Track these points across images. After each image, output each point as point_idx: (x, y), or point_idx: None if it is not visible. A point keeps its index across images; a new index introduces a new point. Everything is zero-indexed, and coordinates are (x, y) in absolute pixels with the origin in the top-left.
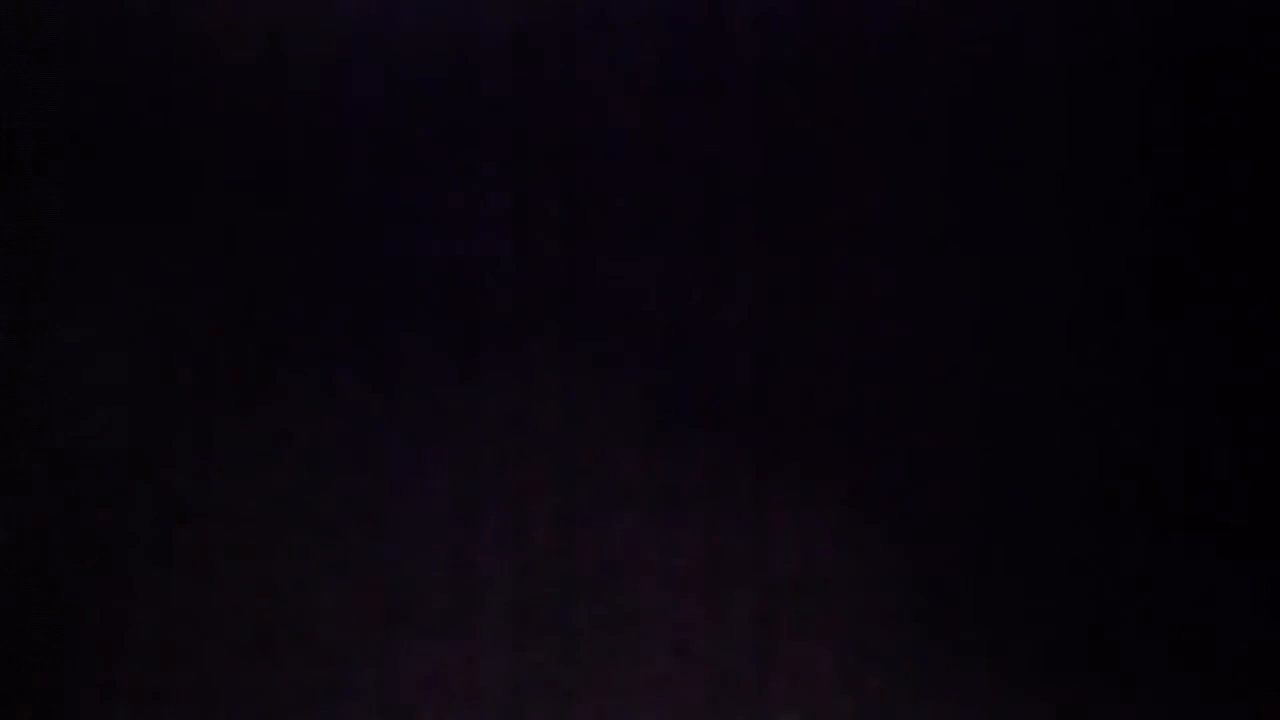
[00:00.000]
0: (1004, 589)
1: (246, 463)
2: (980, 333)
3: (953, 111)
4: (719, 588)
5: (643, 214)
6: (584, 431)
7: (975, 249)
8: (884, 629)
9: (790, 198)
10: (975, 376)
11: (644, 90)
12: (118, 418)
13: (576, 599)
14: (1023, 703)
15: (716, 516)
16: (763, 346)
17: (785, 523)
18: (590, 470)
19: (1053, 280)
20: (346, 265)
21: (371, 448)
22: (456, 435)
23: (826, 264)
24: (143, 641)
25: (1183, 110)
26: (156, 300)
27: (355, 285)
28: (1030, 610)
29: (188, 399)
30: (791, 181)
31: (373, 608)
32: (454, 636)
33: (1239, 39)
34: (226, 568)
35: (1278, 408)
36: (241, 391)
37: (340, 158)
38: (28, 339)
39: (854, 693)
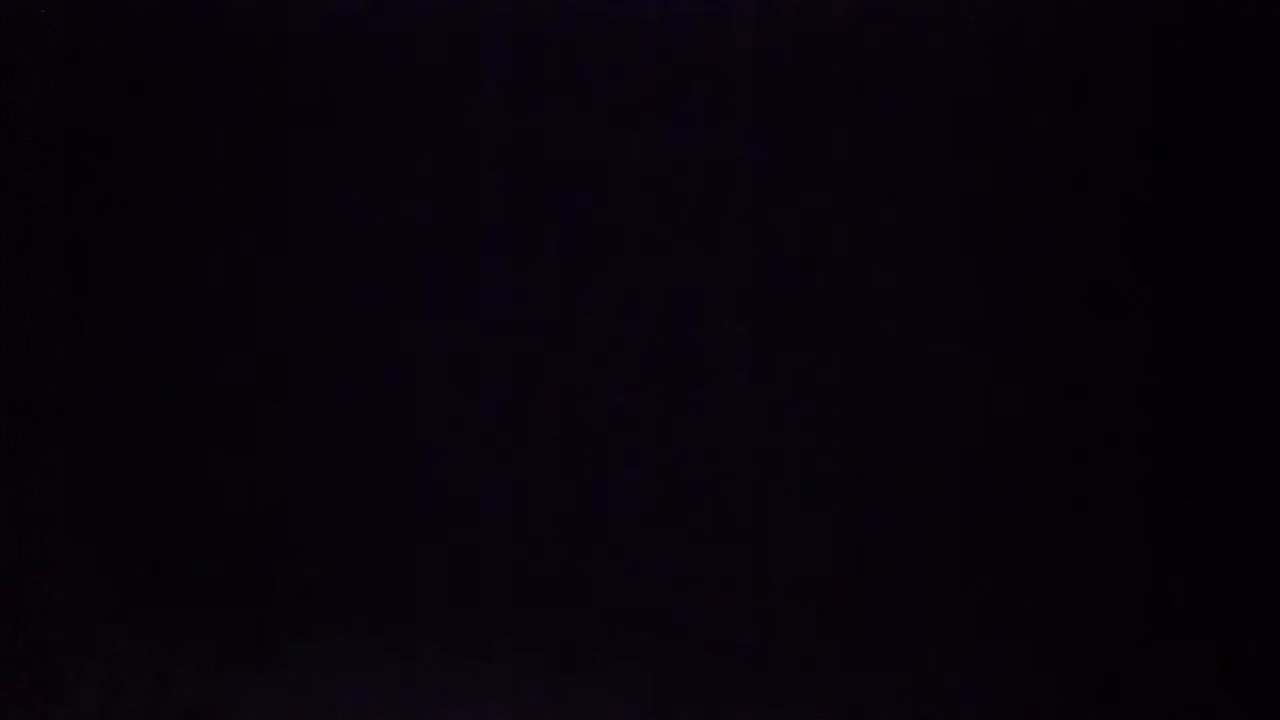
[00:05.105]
0: (1004, 589)
1: (246, 461)
2: (980, 333)
3: (953, 111)
4: (719, 587)
5: (643, 214)
6: (584, 431)
7: (975, 249)
8: (886, 630)
9: (790, 197)
10: (975, 376)
11: (644, 90)
12: (118, 416)
13: (577, 598)
14: (1023, 703)
15: (716, 515)
16: (762, 347)
17: (785, 522)
18: (591, 470)
19: (1053, 280)
20: (347, 264)
21: (370, 447)
22: (456, 435)
23: (826, 264)
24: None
25: (1183, 110)
26: (155, 298)
27: (356, 284)
28: (1030, 610)
29: (188, 396)
30: (791, 181)
31: (371, 608)
32: (454, 636)
33: (1239, 39)
34: (226, 567)
35: (1278, 408)
36: (242, 389)
37: (339, 158)
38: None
39: (855, 692)
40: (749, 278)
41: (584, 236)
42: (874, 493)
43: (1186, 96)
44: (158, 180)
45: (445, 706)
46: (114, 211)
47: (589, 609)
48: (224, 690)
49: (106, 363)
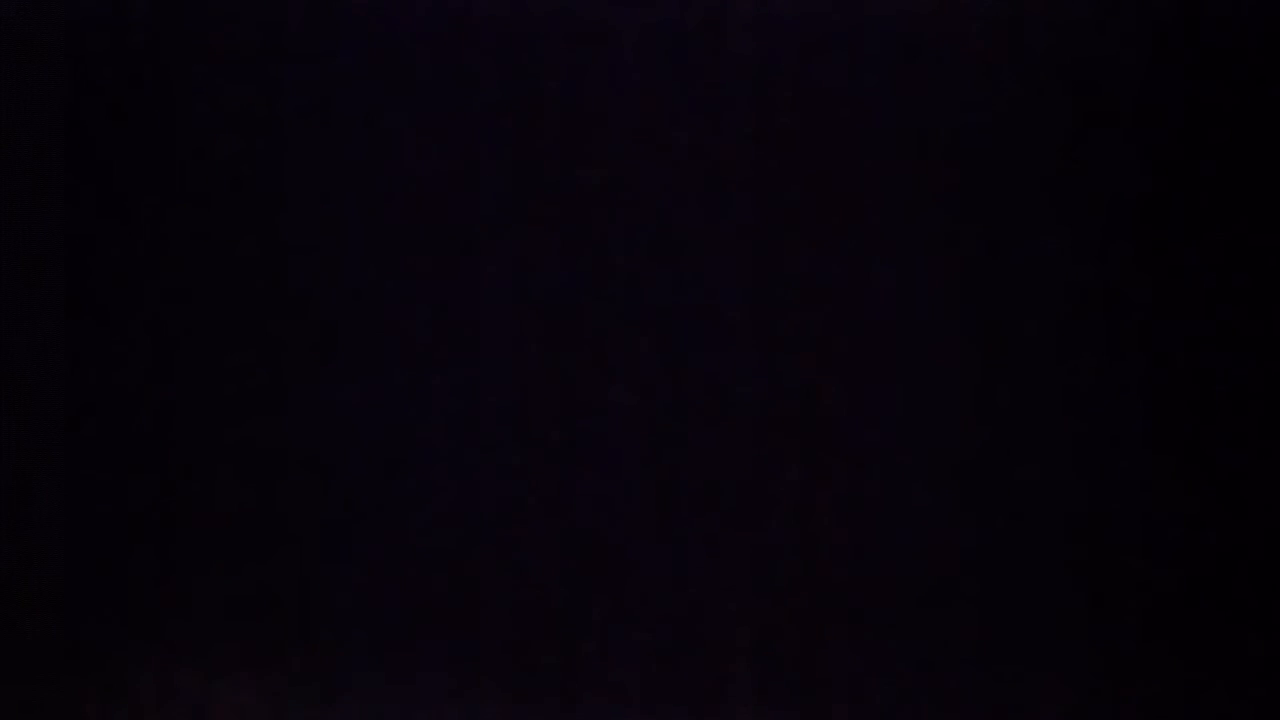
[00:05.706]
0: (1004, 589)
1: (246, 462)
2: (979, 333)
3: (953, 111)
4: (719, 588)
5: (643, 214)
6: (584, 431)
7: (975, 249)
8: (886, 629)
9: (790, 198)
10: (974, 377)
11: (644, 90)
12: (119, 416)
13: (579, 598)
14: (1023, 703)
15: (717, 515)
16: (763, 346)
17: (785, 521)
18: (590, 469)
19: (1052, 280)
20: (345, 264)
21: (372, 445)
22: (456, 434)
23: (826, 264)
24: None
25: (1183, 110)
26: (155, 299)
27: (355, 284)
28: (1030, 610)
29: (188, 397)
30: (791, 181)
31: (373, 607)
32: (455, 636)
33: (1239, 39)
34: (228, 566)
35: (1278, 408)
36: (242, 390)
37: (339, 157)
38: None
39: (855, 693)
40: (749, 279)
41: (584, 237)
42: (873, 492)
43: (1186, 96)
44: (158, 180)
45: (445, 708)
46: (114, 211)
47: (589, 610)
48: (223, 692)
49: (106, 363)
